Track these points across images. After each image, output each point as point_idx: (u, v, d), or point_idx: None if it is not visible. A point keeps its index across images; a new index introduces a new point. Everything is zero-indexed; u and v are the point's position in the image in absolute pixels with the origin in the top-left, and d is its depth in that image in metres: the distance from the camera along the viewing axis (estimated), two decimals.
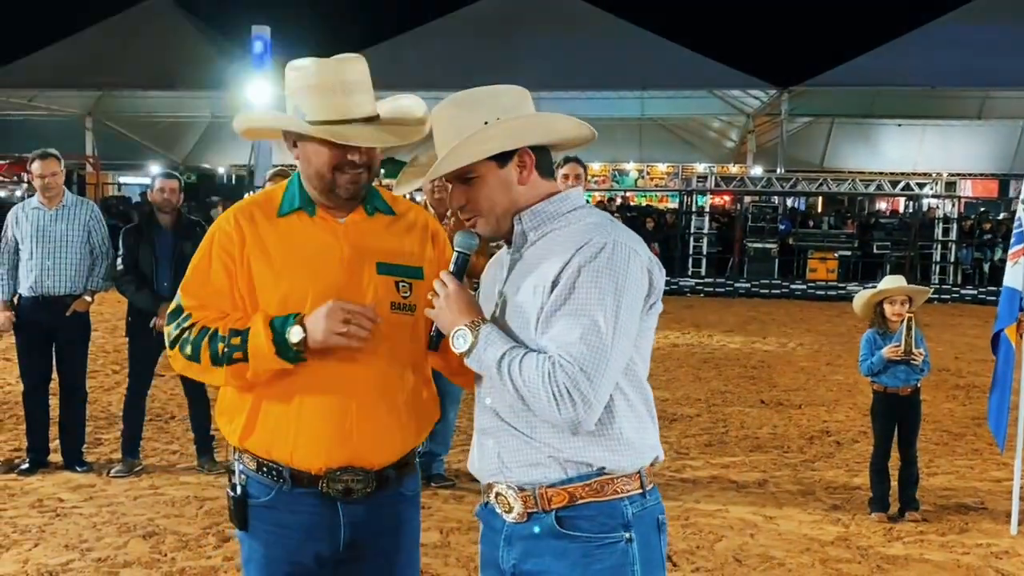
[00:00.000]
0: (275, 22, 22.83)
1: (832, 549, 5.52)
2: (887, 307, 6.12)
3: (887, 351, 6.01)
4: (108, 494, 6.19)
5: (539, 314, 2.24)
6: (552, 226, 2.34)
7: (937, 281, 22.25)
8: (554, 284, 2.22)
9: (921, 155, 28.59)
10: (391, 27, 28.42)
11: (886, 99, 26.63)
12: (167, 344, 2.51)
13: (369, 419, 2.47)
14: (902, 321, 6.00)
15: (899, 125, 28.21)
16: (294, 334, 2.37)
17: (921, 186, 22.89)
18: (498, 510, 2.35)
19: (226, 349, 2.40)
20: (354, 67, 2.48)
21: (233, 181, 32.00)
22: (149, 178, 7.13)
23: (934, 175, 24.45)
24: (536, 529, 2.28)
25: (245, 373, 2.41)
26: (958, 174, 25.99)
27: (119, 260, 6.63)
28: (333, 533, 2.51)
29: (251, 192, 23.73)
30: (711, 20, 47.72)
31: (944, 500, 6.55)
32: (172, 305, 2.53)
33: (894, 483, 6.21)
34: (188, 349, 2.44)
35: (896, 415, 6.14)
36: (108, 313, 14.00)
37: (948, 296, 21.54)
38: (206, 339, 2.42)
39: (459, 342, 2.26)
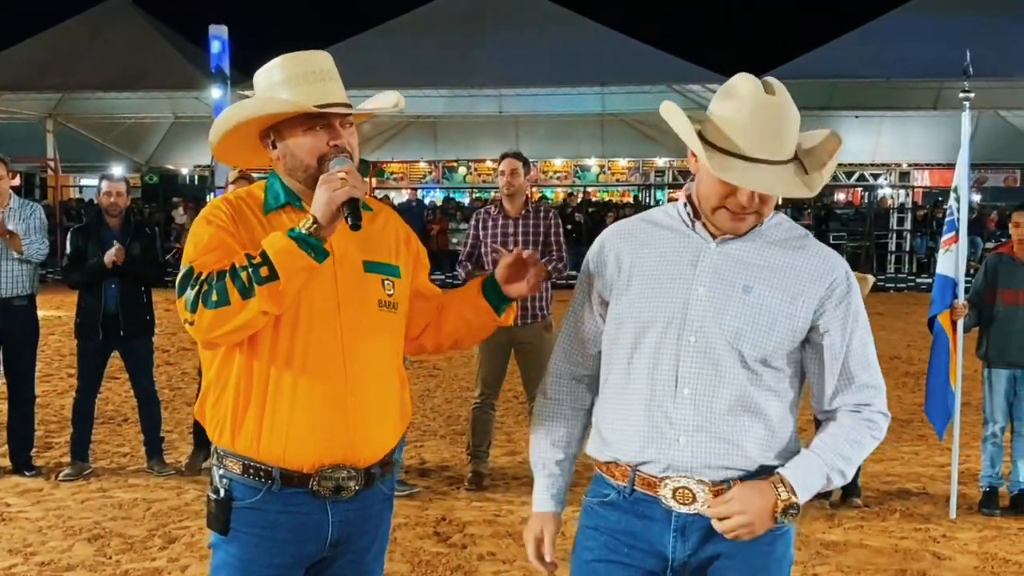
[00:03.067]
0: (233, 22, 22.76)
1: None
2: None
3: None
4: (55, 498, 6.19)
5: (796, 325, 2.32)
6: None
7: (892, 270, 22.55)
8: (817, 305, 2.32)
9: (880, 146, 28.83)
10: (351, 25, 28.40)
11: (844, 91, 26.82)
12: (187, 311, 2.35)
13: (361, 416, 2.48)
14: None
15: (857, 117, 28.42)
16: (302, 223, 2.34)
17: (876, 177, 23.16)
18: (667, 502, 2.34)
19: (251, 272, 2.30)
20: (324, 57, 2.53)
21: (196, 182, 31.84)
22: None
23: (892, 165, 24.68)
24: None
25: (279, 288, 2.31)
26: (916, 164, 26.26)
27: (65, 257, 6.64)
28: (320, 532, 2.50)
29: (213, 193, 23.65)
30: (669, 16, 47.99)
31: (887, 486, 6.67)
32: (180, 275, 2.40)
33: None
34: (214, 295, 2.31)
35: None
36: (66, 316, 13.91)
37: (904, 285, 21.87)
38: (227, 277, 2.31)
39: (794, 513, 2.28)
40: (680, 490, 2.32)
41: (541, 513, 2.53)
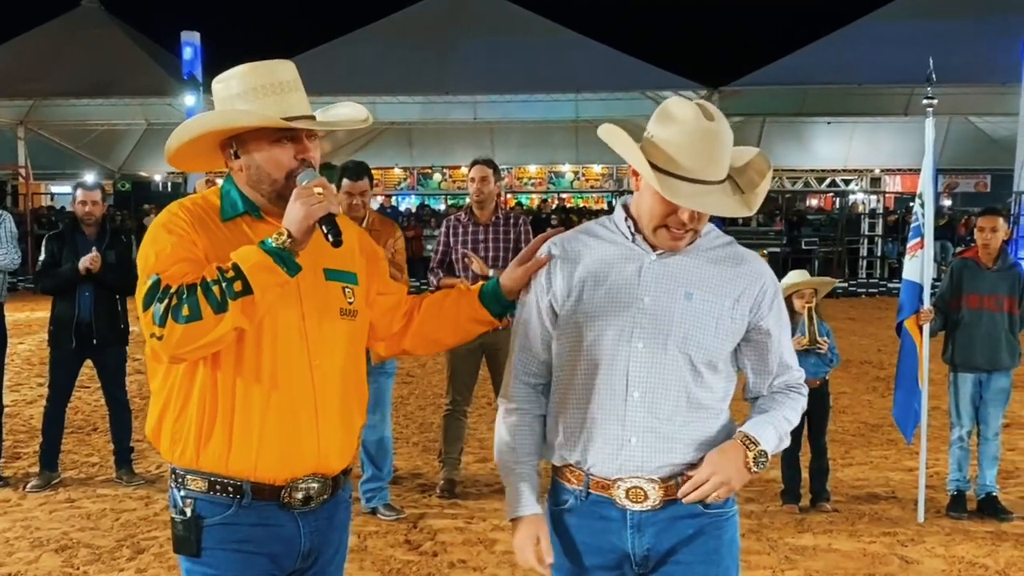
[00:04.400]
0: (206, 28, 22.74)
1: (742, 541, 5.58)
2: (796, 300, 6.27)
3: (792, 343, 6.14)
4: (23, 509, 6.14)
5: (735, 327, 2.50)
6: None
7: (864, 275, 22.72)
8: (753, 307, 2.51)
9: (851, 152, 29.07)
10: (324, 32, 28.34)
11: (815, 98, 27.05)
12: (155, 324, 2.26)
13: (330, 425, 2.47)
14: (802, 312, 6.15)
15: (828, 123, 28.64)
16: (275, 238, 2.30)
17: (847, 182, 23.34)
18: (621, 501, 2.48)
19: (223, 286, 2.24)
20: (286, 67, 2.48)
21: (169, 189, 31.67)
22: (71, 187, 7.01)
23: (864, 171, 24.85)
24: (674, 512, 2.48)
25: (253, 303, 2.26)
26: (887, 169, 26.45)
27: (39, 263, 6.59)
28: (294, 545, 2.48)
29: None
30: (642, 23, 48.21)
31: (856, 490, 6.71)
32: (145, 286, 2.31)
33: (806, 475, 6.35)
34: (185, 310, 2.23)
35: (806, 408, 6.27)
36: (37, 325, 13.81)
37: (875, 290, 22.02)
38: (199, 291, 2.24)
39: (764, 460, 2.48)
40: (632, 490, 2.47)
41: (531, 516, 2.54)
